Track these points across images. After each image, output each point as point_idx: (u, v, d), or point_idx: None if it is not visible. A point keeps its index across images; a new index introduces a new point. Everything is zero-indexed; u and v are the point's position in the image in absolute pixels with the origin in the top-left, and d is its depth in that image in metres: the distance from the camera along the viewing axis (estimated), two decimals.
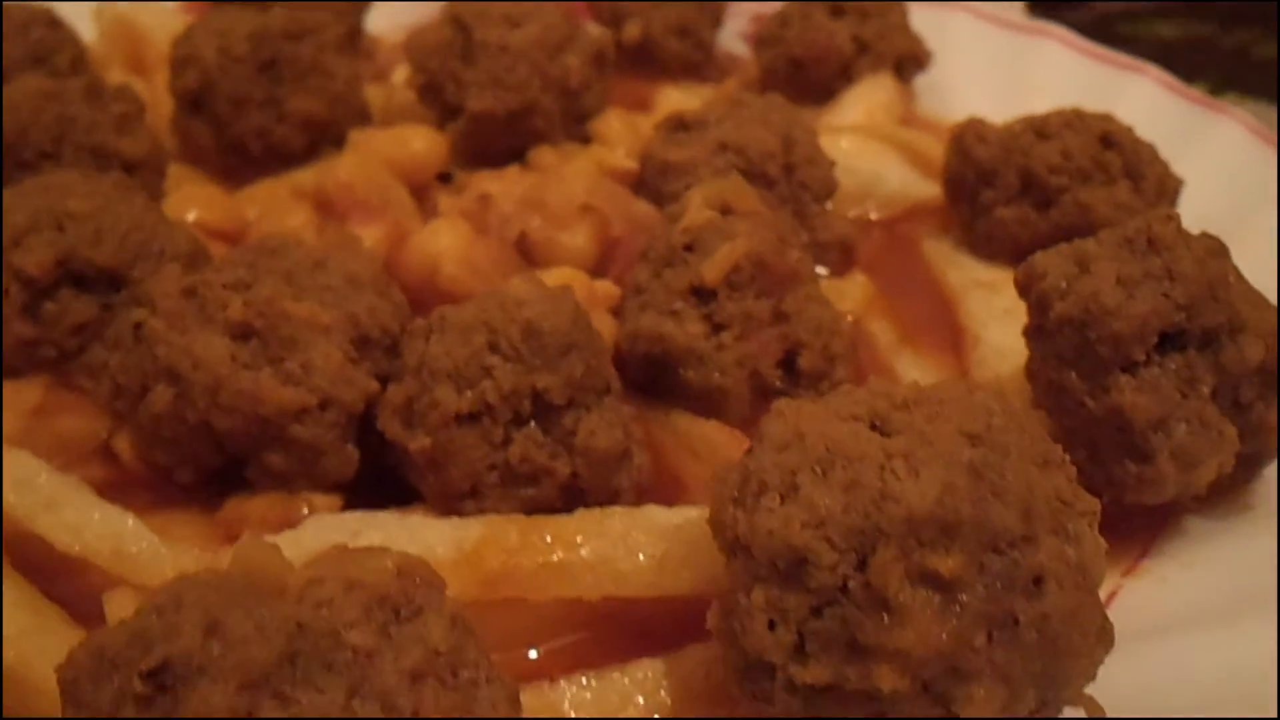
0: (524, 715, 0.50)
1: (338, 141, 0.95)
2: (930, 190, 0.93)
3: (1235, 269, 0.65)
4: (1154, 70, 1.05)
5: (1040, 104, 0.90)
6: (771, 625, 0.49)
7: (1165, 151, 0.89)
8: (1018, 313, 0.69)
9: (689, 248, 0.73)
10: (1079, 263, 0.64)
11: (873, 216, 0.94)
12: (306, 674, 0.43)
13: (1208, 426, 0.62)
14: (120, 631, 0.44)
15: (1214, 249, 0.64)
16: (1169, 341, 0.62)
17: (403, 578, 0.48)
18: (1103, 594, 0.61)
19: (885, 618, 0.47)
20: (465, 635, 0.48)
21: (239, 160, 0.94)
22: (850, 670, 0.48)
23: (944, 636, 0.47)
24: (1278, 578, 0.62)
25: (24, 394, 0.69)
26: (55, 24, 1.03)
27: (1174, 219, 0.64)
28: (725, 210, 0.75)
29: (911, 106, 1.06)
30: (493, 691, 0.47)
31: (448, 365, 0.62)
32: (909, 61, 1.08)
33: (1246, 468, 0.66)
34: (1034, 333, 0.67)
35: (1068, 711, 0.53)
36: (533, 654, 0.58)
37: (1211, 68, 1.44)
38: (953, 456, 0.49)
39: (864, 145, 0.94)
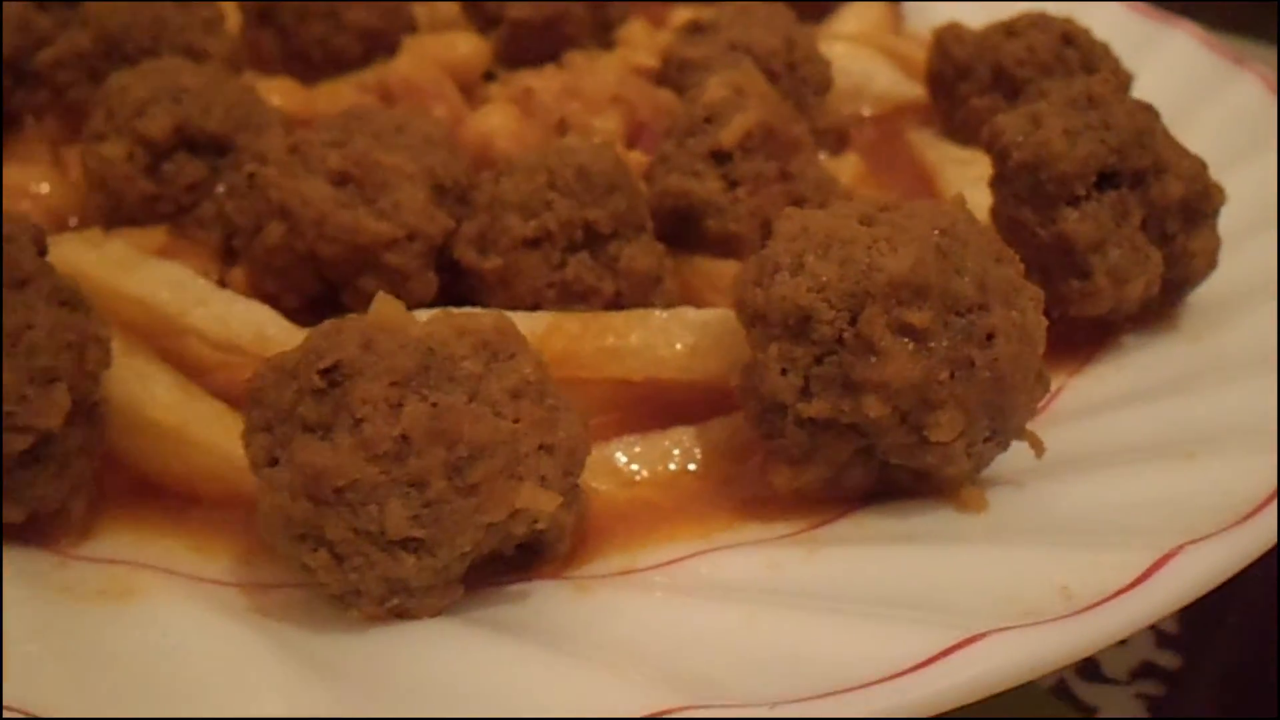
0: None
1: (389, 49, 1.11)
2: (914, 91, 1.09)
3: (1163, 126, 0.81)
4: None
5: None
6: (784, 372, 0.66)
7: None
8: (986, 179, 0.85)
9: (708, 120, 0.89)
10: (1032, 120, 0.81)
11: (864, 113, 1.10)
12: (436, 381, 0.59)
13: (1137, 250, 0.79)
14: (294, 352, 0.60)
15: (1143, 107, 0.80)
16: (1105, 181, 0.79)
17: (498, 331, 0.64)
18: (1051, 389, 0.78)
19: (872, 359, 0.64)
20: (547, 374, 0.64)
21: (301, 67, 1.10)
22: (845, 403, 0.65)
23: (917, 372, 0.63)
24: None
25: (150, 237, 0.85)
26: None
27: (1109, 82, 0.80)
28: (743, 92, 0.91)
29: (900, 24, 1.22)
30: (571, 416, 0.63)
31: (516, 199, 0.78)
32: None
33: (1172, 292, 0.83)
34: (996, 180, 0.83)
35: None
36: None
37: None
38: (924, 239, 0.65)
39: (856, 51, 1.11)
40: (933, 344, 0.64)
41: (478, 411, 0.59)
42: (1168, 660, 0.79)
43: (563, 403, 0.63)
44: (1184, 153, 0.81)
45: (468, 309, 0.68)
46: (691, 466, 0.72)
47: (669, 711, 0.49)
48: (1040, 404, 0.77)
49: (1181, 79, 1.09)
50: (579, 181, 0.79)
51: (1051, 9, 1.13)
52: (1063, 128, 0.79)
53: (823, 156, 1.01)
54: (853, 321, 0.64)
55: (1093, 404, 0.77)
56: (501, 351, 0.63)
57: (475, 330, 0.62)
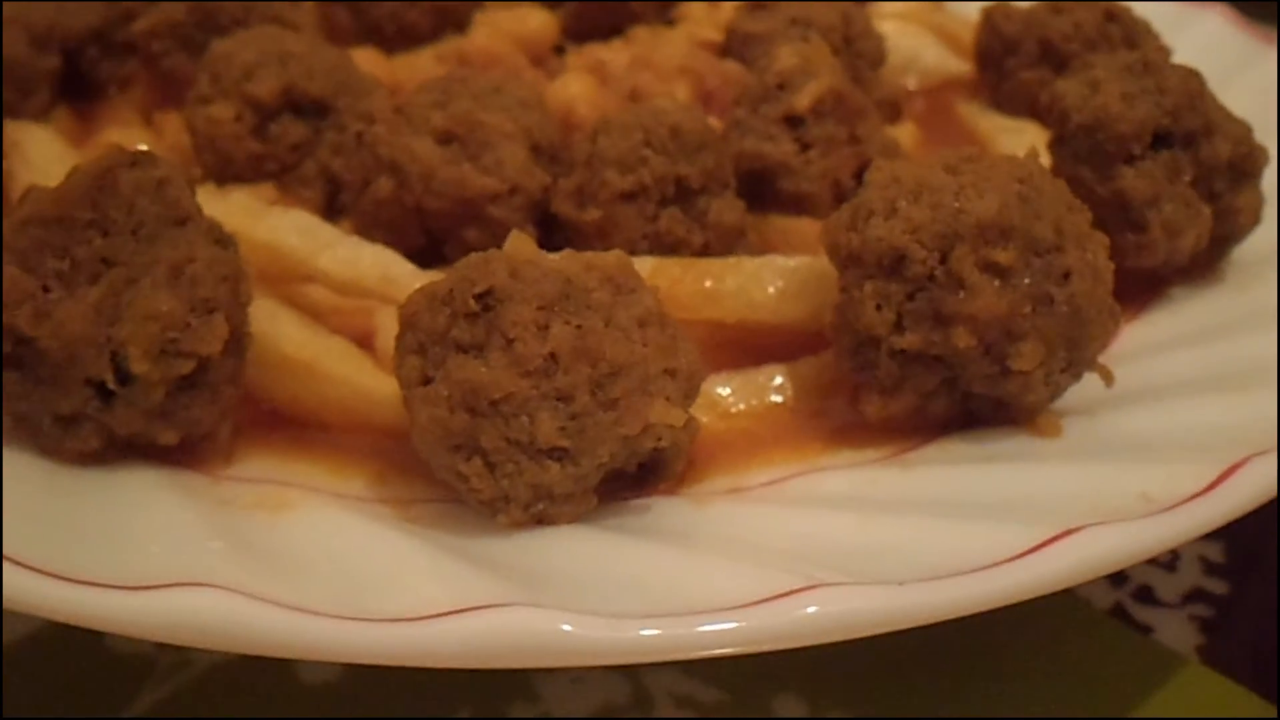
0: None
1: (458, 24, 1.18)
2: (961, 66, 1.17)
3: (1211, 92, 0.89)
4: None
5: None
6: (879, 308, 0.73)
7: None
8: (1036, 145, 0.93)
9: (780, 87, 0.96)
10: (1091, 85, 0.88)
11: (911, 87, 1.18)
12: (576, 306, 0.66)
13: (1189, 205, 0.86)
14: (444, 281, 0.67)
15: (1193, 73, 0.88)
16: (1159, 141, 0.86)
17: (619, 267, 0.71)
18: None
19: (961, 294, 0.71)
20: (664, 307, 0.71)
21: (375, 40, 1.17)
22: (935, 336, 0.72)
23: (1002, 306, 0.71)
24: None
25: (260, 193, 0.91)
26: None
27: (1164, 50, 0.88)
28: (808, 61, 0.98)
29: (942, 2, 1.30)
30: (688, 345, 0.70)
31: (614, 155, 0.85)
32: None
33: (1218, 246, 0.90)
34: (1055, 143, 0.90)
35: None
36: None
37: None
38: (1007, 186, 0.73)
39: (905, 28, 1.18)
40: (1016, 281, 0.71)
41: (615, 334, 0.65)
42: (1216, 586, 0.87)
43: (682, 332, 0.70)
44: (1231, 116, 0.89)
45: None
46: (784, 400, 0.79)
47: (801, 590, 0.56)
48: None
49: (1214, 58, 1.17)
50: (672, 140, 0.86)
51: None
52: (1120, 92, 0.86)
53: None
54: (943, 260, 0.71)
55: (1149, 346, 0.85)
56: (624, 285, 0.69)
57: (600, 266, 0.69)
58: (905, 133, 1.06)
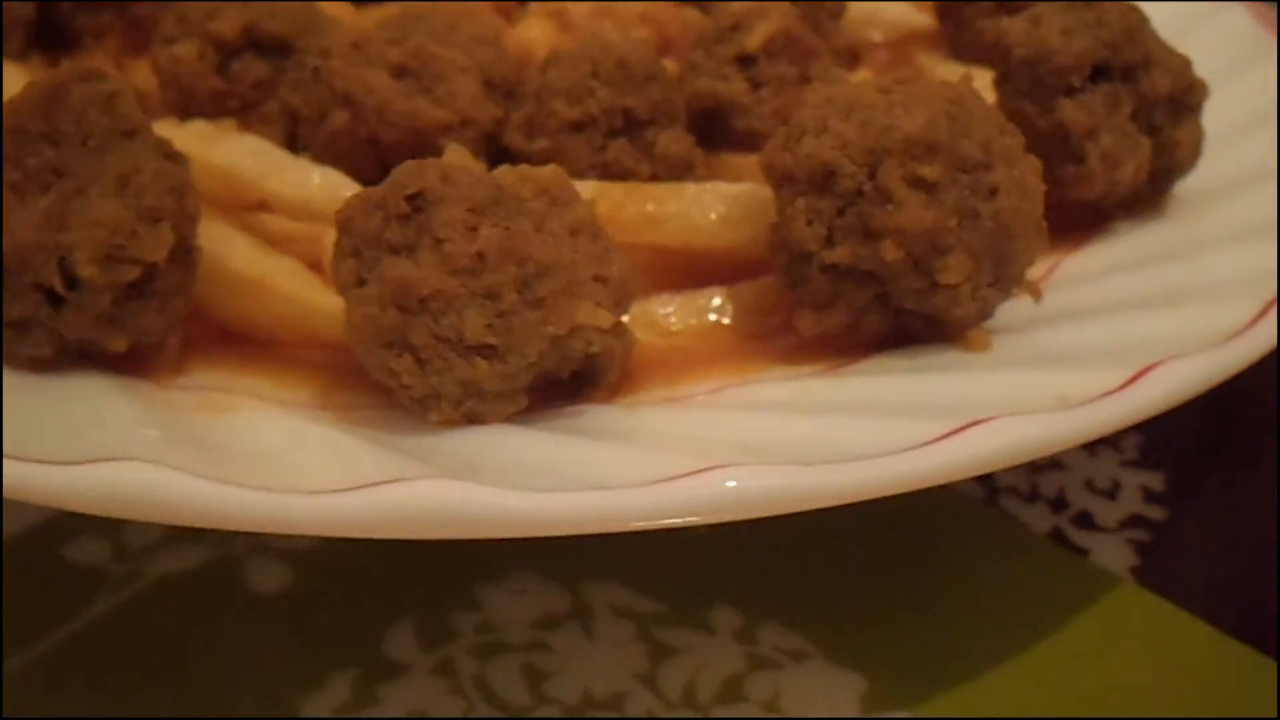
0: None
1: None
2: (924, 20, 1.19)
3: (1151, 27, 0.91)
4: None
5: None
6: (809, 223, 0.75)
7: None
8: (991, 90, 0.95)
9: (734, 28, 0.98)
10: (1033, 20, 0.90)
11: (877, 39, 1.20)
12: (507, 211, 0.68)
13: (1128, 137, 0.88)
14: (379, 187, 0.69)
15: (1133, 8, 0.90)
16: (1099, 74, 0.88)
17: (555, 180, 0.73)
18: (1047, 266, 0.88)
19: (889, 208, 0.73)
20: (598, 220, 0.73)
21: None
22: (864, 249, 0.74)
23: (928, 219, 0.73)
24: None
25: (221, 127, 0.94)
26: None
27: None
28: (761, 3, 1.00)
29: None
30: (621, 255, 0.72)
31: (561, 86, 0.88)
32: None
33: (1159, 180, 0.92)
34: (1000, 79, 0.92)
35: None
36: None
37: None
38: (936, 106, 0.75)
39: None
40: (942, 195, 0.73)
41: (544, 238, 0.68)
42: (1155, 513, 0.88)
43: (614, 244, 0.73)
44: (1171, 51, 0.90)
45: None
46: (724, 320, 0.82)
47: (708, 469, 0.58)
48: (1040, 275, 0.88)
49: (1180, 11, 1.19)
50: (619, 71, 0.88)
51: None
52: (1060, 26, 0.88)
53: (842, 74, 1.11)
54: (872, 175, 0.74)
55: (1087, 273, 0.87)
56: (559, 197, 0.72)
57: (536, 178, 0.72)
58: (859, 79, 1.08)
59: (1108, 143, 0.88)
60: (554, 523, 0.57)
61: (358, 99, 0.89)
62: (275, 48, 0.97)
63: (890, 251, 0.73)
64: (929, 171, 0.73)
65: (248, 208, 0.85)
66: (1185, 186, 0.95)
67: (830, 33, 1.12)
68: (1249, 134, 1.00)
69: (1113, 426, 0.65)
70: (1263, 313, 0.73)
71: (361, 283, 0.68)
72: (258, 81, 0.97)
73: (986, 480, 0.90)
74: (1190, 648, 0.79)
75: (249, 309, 0.80)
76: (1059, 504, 0.89)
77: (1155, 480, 0.91)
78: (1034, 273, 0.87)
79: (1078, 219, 0.92)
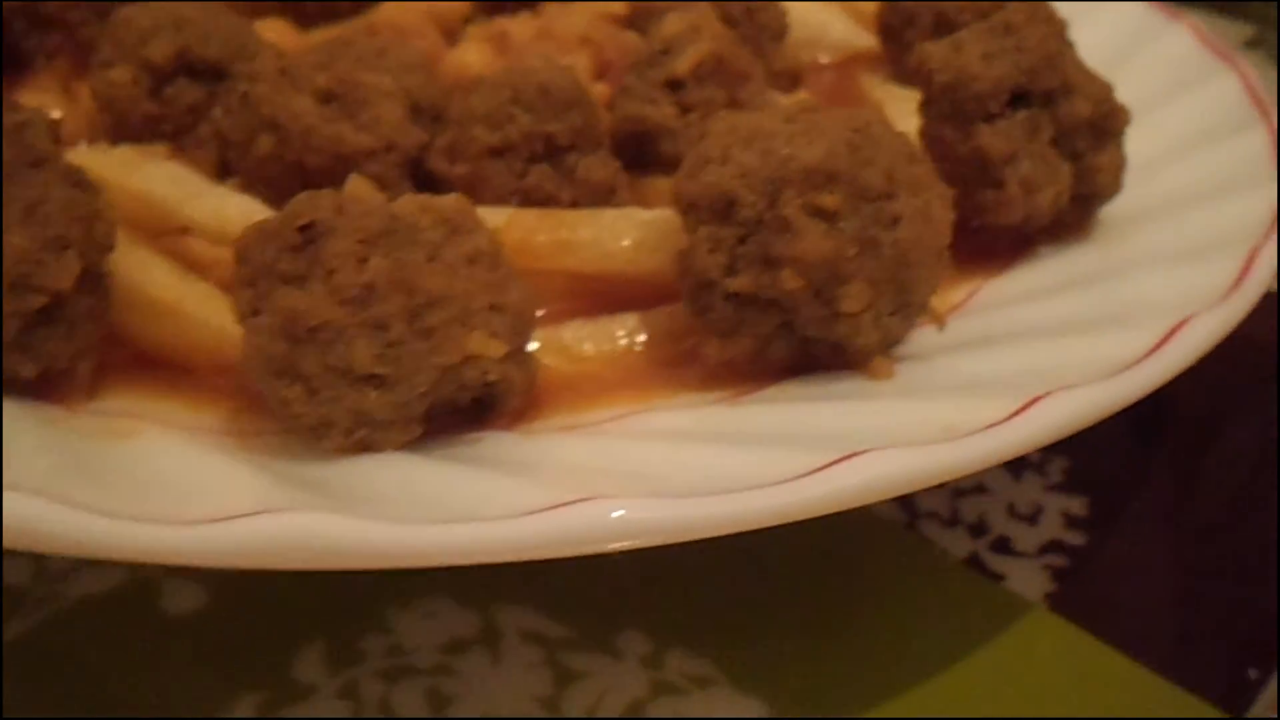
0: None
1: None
2: (868, 41, 1.19)
3: (1074, 52, 0.91)
4: None
5: None
6: (711, 251, 0.76)
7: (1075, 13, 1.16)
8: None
9: (664, 51, 0.99)
10: (955, 46, 0.91)
11: (824, 60, 1.20)
12: (400, 243, 0.69)
13: (1047, 163, 0.88)
14: (275, 216, 0.70)
15: (1055, 32, 0.90)
16: (1019, 100, 0.89)
17: (457, 210, 0.74)
18: (967, 290, 0.88)
19: (788, 237, 0.73)
20: (500, 249, 0.74)
21: (298, 16, 1.21)
22: (765, 278, 0.74)
23: (827, 248, 0.73)
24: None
25: (152, 152, 0.95)
26: None
27: (1024, 10, 0.90)
28: (693, 27, 1.01)
29: None
30: (521, 284, 0.73)
31: (482, 112, 0.88)
32: None
33: (1082, 205, 0.92)
34: (924, 104, 0.93)
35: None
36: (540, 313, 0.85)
37: None
38: (838, 134, 0.75)
39: (815, 3, 1.21)
40: (842, 224, 0.74)
41: (435, 268, 0.68)
42: (1074, 538, 0.88)
43: (514, 273, 0.73)
44: (1092, 77, 0.91)
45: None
46: (635, 346, 0.82)
47: (575, 502, 0.59)
48: (959, 301, 0.88)
49: (1123, 34, 1.19)
50: (540, 98, 0.89)
51: None
52: (981, 52, 0.89)
53: (777, 97, 1.12)
54: (771, 204, 0.74)
55: (1006, 298, 0.87)
56: (460, 226, 0.72)
57: (438, 208, 0.72)
58: (797, 100, 1.09)
59: (1027, 169, 0.88)
60: (422, 555, 0.58)
61: (283, 124, 0.89)
62: (209, 72, 0.99)
63: (790, 280, 0.74)
64: (828, 201, 0.73)
65: (170, 233, 0.86)
66: (1114, 210, 0.95)
67: (771, 54, 1.13)
68: (1182, 156, 1.00)
69: (996, 459, 0.65)
70: (1162, 342, 0.73)
71: (256, 312, 0.69)
72: (191, 106, 0.98)
73: (907, 504, 0.90)
74: (1102, 676, 0.79)
75: (163, 334, 0.80)
76: (979, 529, 0.89)
77: (1078, 505, 0.91)
78: (955, 297, 0.89)
79: (1002, 243, 0.92)
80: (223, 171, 0.97)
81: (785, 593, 0.84)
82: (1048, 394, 0.68)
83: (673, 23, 1.00)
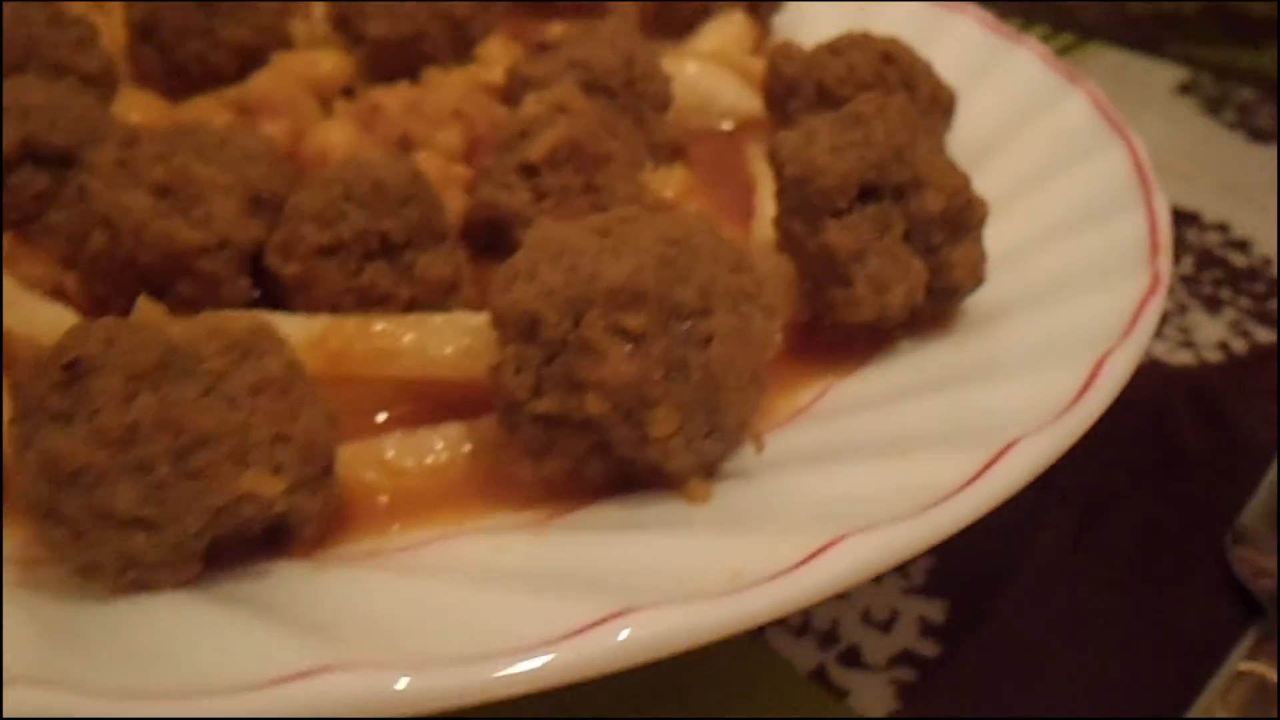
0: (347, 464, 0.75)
1: (264, 65, 1.19)
2: (758, 106, 1.16)
3: (929, 142, 0.87)
4: (972, 8, 1.28)
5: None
6: (517, 371, 0.73)
7: (970, 76, 1.13)
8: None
9: (522, 135, 0.96)
10: (806, 137, 0.87)
11: (715, 127, 1.17)
12: (173, 376, 0.66)
13: (898, 260, 0.85)
14: (48, 349, 0.67)
15: (905, 123, 0.86)
16: (869, 195, 0.85)
17: (251, 332, 0.71)
18: (817, 390, 0.85)
19: (592, 359, 0.70)
20: (297, 372, 0.71)
21: (181, 82, 1.18)
22: (570, 400, 0.72)
23: (631, 371, 0.70)
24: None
25: None
26: None
27: (874, 102, 0.86)
28: (560, 109, 0.98)
29: (766, 40, 1.29)
30: (314, 410, 0.71)
31: (311, 210, 0.86)
32: (765, 2, 1.31)
33: (942, 299, 0.89)
34: (778, 194, 0.89)
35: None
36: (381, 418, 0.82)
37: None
38: (648, 250, 0.72)
39: (706, 68, 1.18)
40: (649, 346, 0.71)
41: (208, 404, 0.66)
42: (927, 649, 0.85)
43: (309, 398, 0.71)
44: (949, 168, 0.87)
45: (234, 312, 0.76)
46: (457, 459, 0.79)
47: (309, 674, 0.56)
48: (805, 403, 0.85)
49: (1020, 101, 1.16)
50: (374, 194, 0.86)
51: (908, 28, 1.20)
52: (829, 144, 0.85)
53: (658, 170, 1.09)
54: (575, 324, 0.71)
55: (851, 404, 0.84)
56: (253, 350, 0.70)
57: (229, 331, 0.70)
58: (675, 175, 1.06)
59: (875, 266, 0.85)
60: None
61: (114, 220, 0.87)
62: (56, 159, 0.96)
63: (595, 404, 0.71)
64: (633, 322, 0.70)
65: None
66: (982, 299, 0.91)
67: (652, 125, 1.10)
68: (1059, 239, 0.97)
69: (776, 613, 0.62)
70: (981, 471, 0.70)
71: (26, 450, 0.66)
72: (37, 194, 0.96)
73: None
74: None
75: None
76: (829, 638, 0.86)
77: (936, 610, 0.88)
78: (802, 399, 0.86)
79: (859, 339, 0.89)
80: (70, 262, 0.95)
81: (625, 703, 0.81)
82: (845, 536, 0.65)
83: (531, 104, 0.97)
